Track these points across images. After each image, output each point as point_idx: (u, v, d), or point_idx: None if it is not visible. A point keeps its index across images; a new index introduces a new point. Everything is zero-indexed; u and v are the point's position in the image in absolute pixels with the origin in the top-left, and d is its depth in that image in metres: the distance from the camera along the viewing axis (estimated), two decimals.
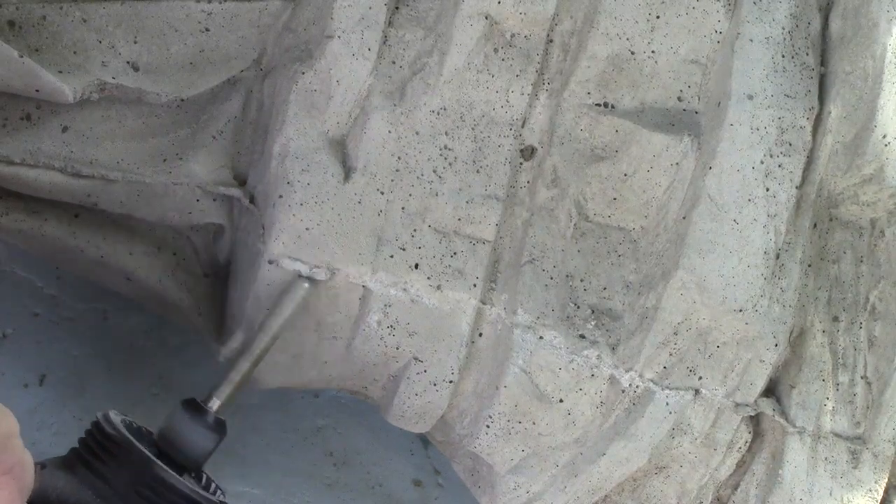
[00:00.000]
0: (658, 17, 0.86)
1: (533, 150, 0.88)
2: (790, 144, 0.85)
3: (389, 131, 0.84)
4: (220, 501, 0.70)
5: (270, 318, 0.80)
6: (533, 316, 0.86)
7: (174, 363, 1.20)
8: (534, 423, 0.88)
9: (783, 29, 0.85)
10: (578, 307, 0.88)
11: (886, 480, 0.93)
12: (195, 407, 0.75)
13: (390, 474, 1.29)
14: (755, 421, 0.91)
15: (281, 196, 0.82)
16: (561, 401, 0.87)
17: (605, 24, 0.85)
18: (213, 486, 0.76)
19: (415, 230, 0.85)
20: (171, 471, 0.67)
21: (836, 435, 0.91)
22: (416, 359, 0.87)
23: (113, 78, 0.83)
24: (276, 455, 1.26)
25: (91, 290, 1.20)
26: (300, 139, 0.83)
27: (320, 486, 1.25)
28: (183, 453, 0.73)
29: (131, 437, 0.67)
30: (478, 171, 0.86)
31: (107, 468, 0.65)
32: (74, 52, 0.82)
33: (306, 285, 0.81)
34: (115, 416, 0.70)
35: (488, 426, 0.89)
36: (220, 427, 0.75)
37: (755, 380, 0.88)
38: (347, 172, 0.84)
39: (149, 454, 0.67)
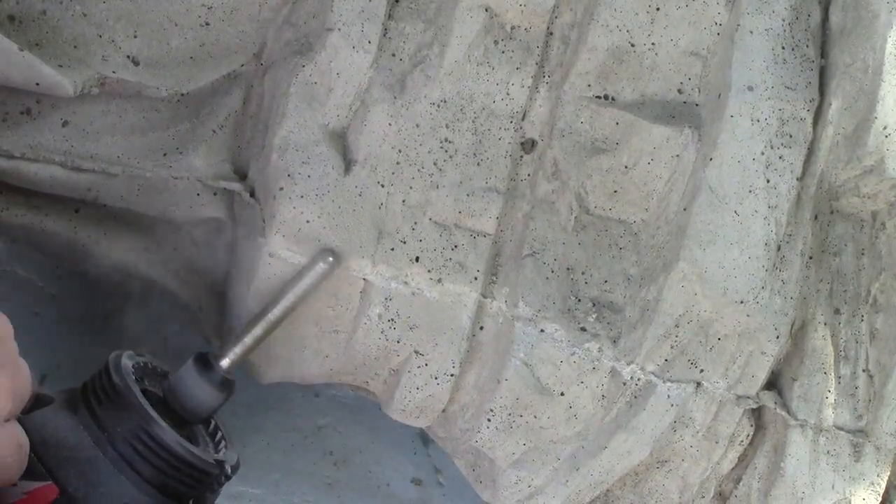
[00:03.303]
0: (658, 9, 0.86)
1: (533, 143, 0.88)
2: (791, 136, 0.85)
3: (390, 124, 0.84)
4: (216, 460, 0.70)
5: (290, 287, 0.80)
6: (534, 309, 0.86)
7: (174, 364, 1.20)
8: (535, 417, 0.88)
9: (783, 20, 0.85)
10: (579, 300, 0.87)
11: (889, 473, 0.93)
12: (205, 363, 0.74)
13: (391, 473, 1.29)
14: (757, 414, 0.91)
15: (282, 188, 0.82)
16: (562, 394, 0.87)
17: (605, 16, 0.85)
18: (219, 434, 0.76)
19: (415, 223, 0.85)
20: (167, 428, 0.66)
21: (839, 428, 0.91)
22: (417, 352, 0.87)
23: (113, 72, 0.83)
24: (277, 454, 1.26)
25: (91, 289, 1.20)
26: (301, 132, 0.83)
27: (320, 485, 1.25)
28: (186, 407, 0.73)
29: (135, 389, 0.67)
30: (478, 164, 0.86)
31: (107, 415, 0.65)
32: (75, 47, 0.82)
33: (330, 259, 0.80)
34: (128, 360, 0.70)
35: (489, 420, 0.89)
36: (227, 386, 0.75)
37: (757, 372, 0.87)
38: (348, 165, 0.84)
39: (148, 409, 0.66)
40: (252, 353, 0.79)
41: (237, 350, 0.77)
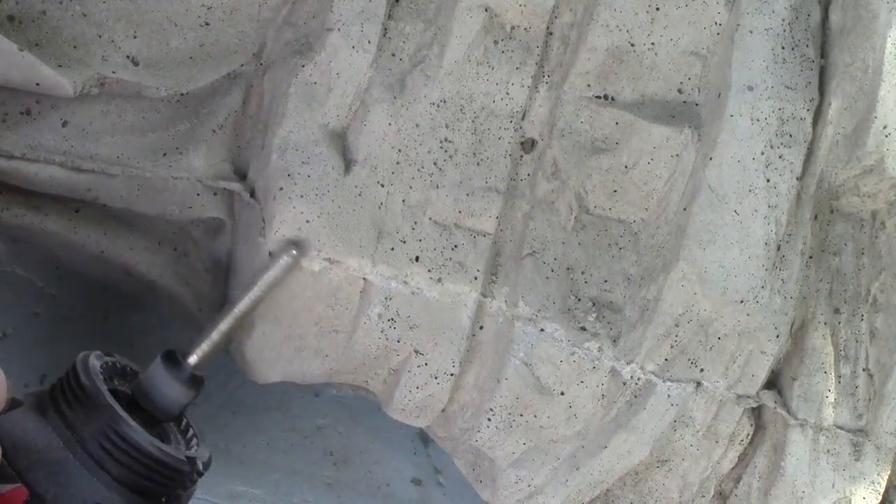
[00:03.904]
0: (658, 9, 0.86)
1: (533, 143, 0.88)
2: (790, 135, 0.85)
3: (390, 124, 0.84)
4: (187, 457, 0.70)
5: (255, 281, 0.80)
6: (534, 308, 0.86)
7: None
8: (535, 416, 0.88)
9: (783, 20, 0.86)
10: (579, 299, 0.87)
11: (889, 472, 0.93)
12: (173, 360, 0.74)
13: (390, 473, 1.29)
14: (757, 413, 0.91)
15: (281, 188, 0.82)
16: (562, 393, 0.87)
17: (605, 16, 0.85)
18: (190, 431, 0.76)
19: (415, 223, 0.85)
20: (137, 427, 0.66)
21: (839, 427, 0.91)
22: (416, 352, 0.87)
23: (113, 72, 0.83)
24: (276, 455, 1.26)
25: (91, 289, 1.20)
26: (300, 132, 0.83)
27: (320, 485, 1.25)
28: (156, 405, 0.72)
29: (103, 389, 0.67)
30: (478, 164, 0.86)
31: (76, 416, 0.65)
32: (74, 47, 0.82)
33: (294, 252, 0.80)
34: (95, 361, 0.70)
35: (489, 419, 0.89)
36: (195, 383, 0.75)
37: (757, 371, 0.87)
38: (348, 165, 0.84)
39: (117, 409, 0.66)
40: (220, 348, 0.79)
41: (204, 346, 0.77)
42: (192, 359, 0.76)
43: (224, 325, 0.78)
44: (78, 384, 0.67)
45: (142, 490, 0.66)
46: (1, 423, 0.61)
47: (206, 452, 0.73)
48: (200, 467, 0.71)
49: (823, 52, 0.89)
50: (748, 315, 0.84)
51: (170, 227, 0.91)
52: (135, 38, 0.84)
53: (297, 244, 0.81)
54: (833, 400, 0.91)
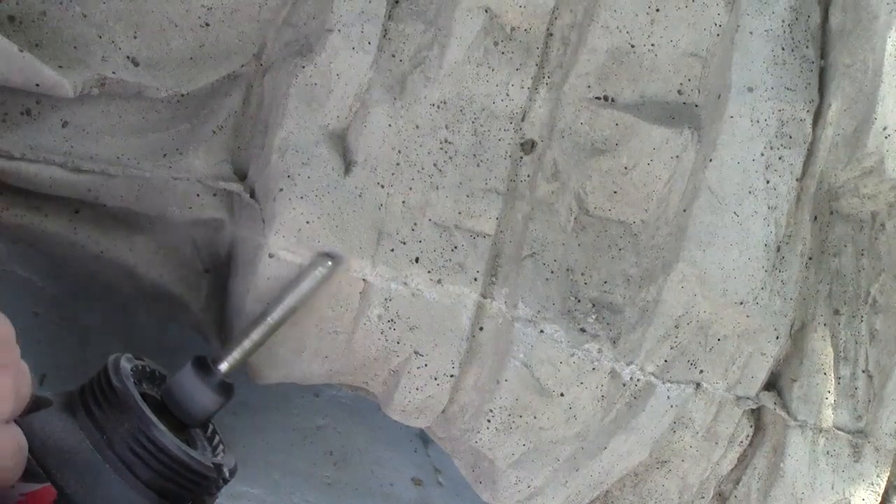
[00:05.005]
0: (658, 11, 0.86)
1: (533, 144, 0.88)
2: (790, 137, 0.85)
3: (390, 125, 0.84)
4: (214, 464, 0.70)
5: (288, 292, 0.80)
6: (533, 310, 0.86)
7: (174, 363, 1.20)
8: (535, 418, 0.88)
9: (783, 22, 0.86)
10: (579, 301, 0.87)
11: (888, 474, 0.93)
12: (204, 366, 0.74)
13: (390, 473, 1.29)
14: (756, 415, 0.91)
15: (281, 189, 0.82)
16: (562, 395, 0.87)
17: (605, 17, 0.85)
18: (216, 438, 0.76)
19: (415, 224, 0.85)
20: (167, 431, 0.66)
21: (838, 428, 0.91)
22: (416, 353, 0.87)
23: (113, 73, 0.83)
24: (277, 454, 1.26)
25: (91, 289, 1.20)
26: (300, 133, 0.83)
27: (320, 484, 1.25)
28: (185, 410, 0.73)
29: (134, 392, 0.67)
30: (478, 165, 0.86)
31: (106, 418, 0.65)
32: (75, 48, 0.82)
33: (329, 263, 0.80)
34: (126, 363, 0.70)
35: (489, 420, 0.89)
36: (225, 389, 0.75)
37: (756, 373, 0.87)
38: (348, 166, 0.84)
39: (148, 413, 0.66)
40: (250, 357, 0.79)
41: (236, 354, 0.77)
42: (223, 366, 0.76)
43: (256, 335, 0.78)
44: (109, 386, 0.67)
45: (169, 494, 0.66)
46: (31, 422, 0.61)
47: (232, 460, 0.74)
48: (227, 474, 0.71)
49: (823, 54, 0.89)
50: (748, 316, 0.84)
51: (170, 227, 0.91)
52: (135, 38, 0.84)
53: (331, 256, 0.81)
54: (833, 401, 0.91)
